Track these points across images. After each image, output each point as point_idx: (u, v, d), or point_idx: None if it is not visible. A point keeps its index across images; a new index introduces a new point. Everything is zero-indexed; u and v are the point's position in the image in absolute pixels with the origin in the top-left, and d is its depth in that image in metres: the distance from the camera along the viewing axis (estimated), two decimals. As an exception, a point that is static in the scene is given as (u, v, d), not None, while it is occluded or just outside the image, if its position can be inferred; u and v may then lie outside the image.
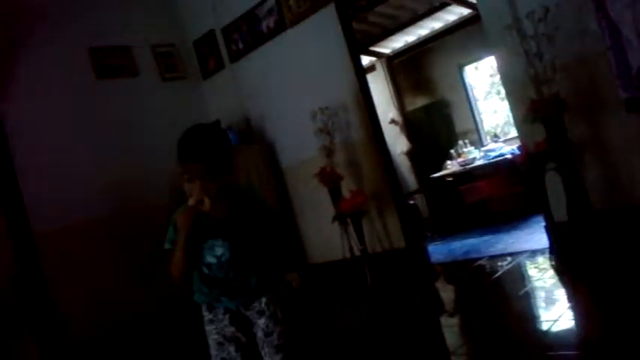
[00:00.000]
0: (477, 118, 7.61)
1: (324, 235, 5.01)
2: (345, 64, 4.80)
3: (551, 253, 3.61)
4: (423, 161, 7.38)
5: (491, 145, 6.87)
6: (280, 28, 5.24)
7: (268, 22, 5.32)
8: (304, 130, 4.93)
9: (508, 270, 3.90)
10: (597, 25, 3.37)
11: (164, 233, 1.87)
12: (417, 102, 7.90)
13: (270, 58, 5.38)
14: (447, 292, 4.16)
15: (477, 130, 7.52)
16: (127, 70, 5.50)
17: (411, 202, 6.33)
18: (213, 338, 1.88)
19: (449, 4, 6.58)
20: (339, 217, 4.54)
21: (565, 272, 3.42)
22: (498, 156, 6.29)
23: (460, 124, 7.61)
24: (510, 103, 4.04)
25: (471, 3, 6.15)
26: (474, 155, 6.75)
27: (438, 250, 5.40)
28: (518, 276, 3.82)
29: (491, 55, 5.60)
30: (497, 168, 6.11)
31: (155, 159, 5.03)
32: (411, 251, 4.63)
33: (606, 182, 3.65)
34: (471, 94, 7.69)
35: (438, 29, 7.35)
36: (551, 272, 3.53)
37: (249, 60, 5.57)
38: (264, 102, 5.51)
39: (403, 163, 7.33)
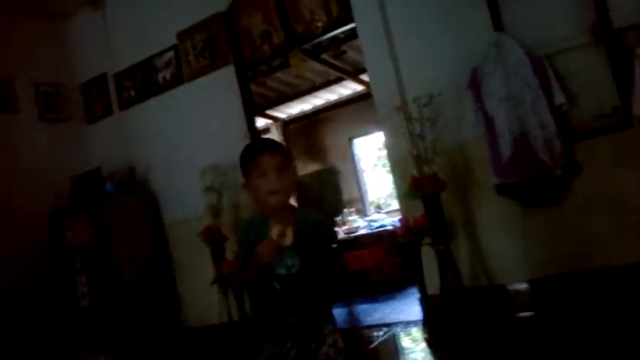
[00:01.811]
0: (363, 189, 7.89)
1: (204, 298, 4.81)
2: (240, 124, 4.82)
3: (424, 325, 3.72)
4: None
5: (375, 216, 7.11)
6: (177, 81, 5.19)
7: (165, 74, 5.25)
8: (192, 186, 4.80)
9: (383, 341, 3.95)
10: (474, 115, 3.69)
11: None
12: (309, 168, 8.06)
13: (163, 110, 5.27)
14: None
15: (362, 200, 7.78)
16: (6, 106, 5.13)
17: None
18: None
19: (344, 79, 6.91)
20: (220, 280, 4.39)
21: (436, 345, 3.53)
22: (380, 227, 6.51)
23: (347, 192, 7.85)
24: (394, 178, 4.25)
25: (365, 81, 6.51)
26: (358, 224, 6.93)
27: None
28: (394, 347, 3.87)
29: (379, 130, 5.90)
30: (379, 238, 6.31)
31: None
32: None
33: (476, 260, 3.89)
34: (358, 165, 7.99)
35: (333, 101, 7.68)
36: (423, 345, 3.63)
37: (140, 109, 5.42)
38: (152, 153, 5.33)
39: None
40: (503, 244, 3.78)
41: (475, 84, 3.67)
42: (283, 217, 1.76)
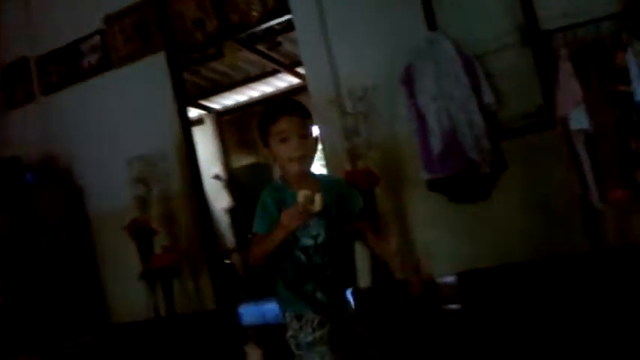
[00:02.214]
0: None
1: (131, 293, 4.63)
2: (171, 113, 4.66)
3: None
4: (243, 219, 7.33)
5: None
6: (104, 66, 4.95)
7: (91, 59, 5.00)
8: (118, 177, 4.61)
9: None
10: (407, 111, 3.72)
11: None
12: (243, 160, 7.93)
13: (89, 96, 5.01)
14: (254, 357, 4.04)
15: (297, 194, 7.74)
16: None
17: (228, 261, 6.19)
18: (325, 343, 1.64)
19: (280, 72, 6.83)
20: (147, 275, 4.24)
21: (365, 338, 3.54)
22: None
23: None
24: (328, 172, 4.23)
25: (301, 74, 6.46)
26: (293, 219, 6.89)
27: (252, 312, 5.29)
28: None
29: (315, 124, 5.87)
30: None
31: None
32: (221, 313, 4.47)
33: (406, 254, 3.94)
34: (294, 158, 7.94)
35: (269, 93, 7.57)
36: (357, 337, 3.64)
37: (64, 96, 5.14)
38: (76, 142, 5.07)
39: (223, 220, 7.21)
40: (432, 238, 3.86)
41: (409, 80, 3.70)
42: (305, 183, 1.64)
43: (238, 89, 7.27)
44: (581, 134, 3.18)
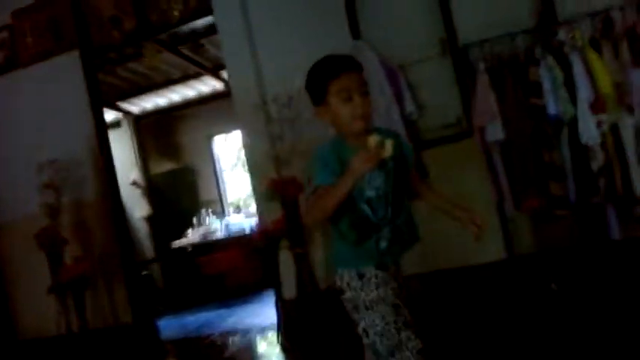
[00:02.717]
0: (222, 189, 7.69)
1: (40, 307, 4.31)
2: (85, 116, 4.41)
3: (278, 329, 3.68)
4: (163, 228, 7.09)
5: (233, 218, 6.97)
6: (11, 65, 4.61)
7: (-3, 56, 4.64)
8: (26, 182, 4.31)
9: (239, 347, 3.86)
10: (332, 118, 3.72)
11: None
12: (164, 166, 7.67)
13: (-6, 95, 4.65)
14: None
15: (221, 200, 7.58)
16: None
17: (146, 272, 5.95)
18: (389, 301, 1.59)
19: (203, 75, 6.67)
20: (57, 288, 3.97)
21: (290, 349, 3.50)
22: (239, 229, 6.39)
23: (205, 193, 7.59)
24: (252, 179, 4.16)
25: (225, 78, 6.34)
26: (216, 226, 6.74)
27: (171, 325, 5.13)
28: (249, 353, 3.79)
29: (239, 129, 5.78)
30: (237, 241, 6.19)
31: None
32: (139, 327, 4.27)
33: (332, 264, 3.93)
34: (217, 164, 7.78)
35: (191, 97, 7.38)
36: (278, 349, 3.58)
37: (-34, 95, 4.73)
38: (-22, 145, 4.67)
39: (141, 229, 6.93)
40: (357, 246, 3.87)
41: (334, 88, 3.71)
42: (364, 138, 1.54)
43: (159, 92, 7.02)
44: (497, 145, 3.31)
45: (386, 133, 1.65)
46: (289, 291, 3.71)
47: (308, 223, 1.64)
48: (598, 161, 3.07)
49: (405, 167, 1.72)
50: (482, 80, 3.33)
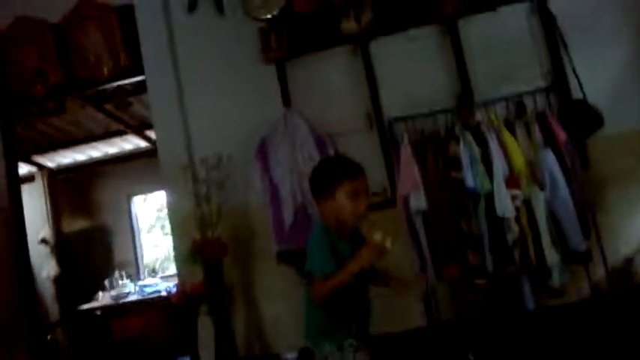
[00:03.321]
0: (138, 251, 7.38)
1: None
2: (-2, 169, 4.15)
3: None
4: (71, 290, 6.63)
5: (148, 280, 6.67)
6: None
7: None
8: None
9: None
10: (261, 183, 3.74)
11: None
12: (77, 224, 7.29)
13: None
14: None
15: (137, 262, 7.25)
16: None
17: (50, 336, 5.50)
18: None
19: (127, 133, 6.52)
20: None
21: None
22: (154, 292, 6.10)
23: (119, 254, 7.25)
24: (174, 240, 4.02)
25: (150, 137, 6.23)
26: (129, 289, 6.41)
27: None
28: None
29: (161, 189, 5.63)
30: (152, 305, 5.89)
31: None
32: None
33: (253, 328, 3.83)
34: (136, 225, 7.50)
35: (112, 154, 7.16)
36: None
37: None
38: None
39: (47, 290, 6.46)
40: (280, 312, 3.80)
41: (263, 153, 3.75)
42: (348, 231, 1.84)
43: (78, 147, 6.76)
44: (419, 214, 3.42)
45: (360, 233, 1.93)
46: (207, 358, 3.54)
47: (318, 302, 1.83)
48: (513, 233, 3.24)
49: None
50: (406, 152, 3.48)
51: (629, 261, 3.34)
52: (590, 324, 3.37)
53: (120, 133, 6.55)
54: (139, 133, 6.42)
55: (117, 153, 7.13)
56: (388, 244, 1.71)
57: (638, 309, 3.23)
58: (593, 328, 3.33)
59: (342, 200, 1.81)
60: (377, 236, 1.70)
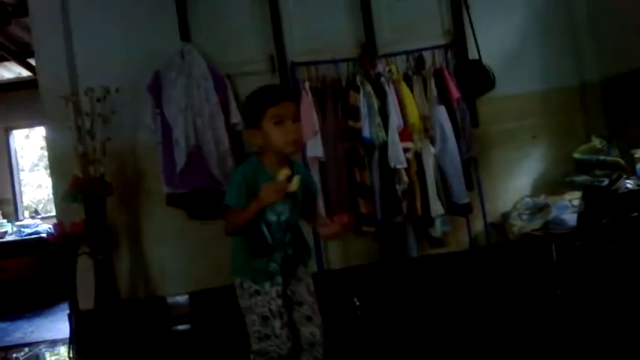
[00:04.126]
0: (17, 189, 6.84)
1: None
2: None
3: (70, 343, 3.32)
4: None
5: (27, 221, 6.22)
6: None
7: None
8: None
9: (20, 363, 3.41)
10: (152, 120, 3.53)
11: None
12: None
13: None
14: None
15: (15, 201, 6.73)
16: None
17: None
18: (258, 312, 1.79)
19: (7, 60, 5.92)
20: None
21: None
22: (34, 233, 5.71)
23: (-4, 191, 6.69)
24: (53, 177, 3.74)
25: (33, 66, 5.69)
26: (6, 229, 5.95)
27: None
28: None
29: (43, 124, 5.20)
30: (31, 246, 5.51)
31: None
32: None
33: (137, 271, 3.69)
34: (15, 161, 6.92)
35: (-11, 82, 6.51)
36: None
37: None
38: None
39: None
40: (167, 255, 3.71)
41: (156, 88, 3.53)
42: (281, 166, 1.74)
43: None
44: (316, 161, 3.41)
45: (299, 167, 1.88)
46: (86, 301, 3.37)
47: (228, 234, 1.81)
48: (403, 184, 3.33)
49: (310, 201, 1.92)
50: (307, 99, 3.43)
51: (506, 217, 3.56)
52: (466, 274, 3.60)
53: (-1, 59, 5.94)
54: (21, 60, 5.85)
55: (-5, 81, 6.50)
56: (293, 185, 1.67)
57: (511, 263, 3.47)
58: (470, 278, 3.56)
59: (269, 129, 1.74)
60: (280, 175, 1.66)
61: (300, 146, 1.87)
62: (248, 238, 1.80)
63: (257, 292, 1.79)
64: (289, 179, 1.68)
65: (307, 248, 1.94)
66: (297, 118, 1.78)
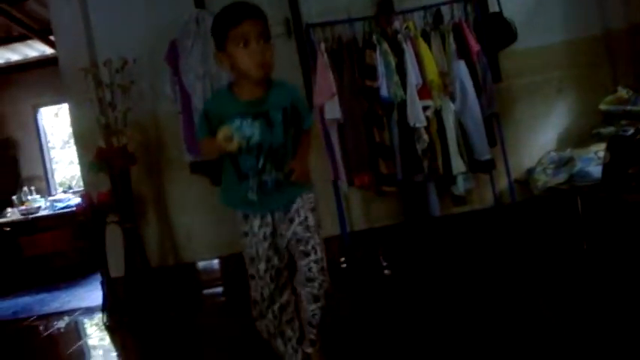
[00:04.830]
0: (49, 166, 7.01)
1: None
2: None
3: (104, 310, 3.44)
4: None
5: (60, 196, 6.39)
6: None
7: None
8: None
9: (60, 329, 3.54)
10: (171, 89, 3.55)
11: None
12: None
13: None
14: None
15: (47, 178, 6.91)
16: None
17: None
18: (247, 252, 1.80)
19: (30, 38, 5.99)
20: None
21: (117, 329, 3.29)
22: (66, 207, 5.87)
23: (28, 169, 6.86)
24: (79, 151, 3.83)
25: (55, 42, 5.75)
26: (40, 204, 6.12)
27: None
28: (72, 335, 3.50)
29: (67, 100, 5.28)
30: (64, 220, 5.68)
31: None
32: None
33: (165, 239, 3.78)
34: (44, 138, 7.07)
35: (16, 61, 6.61)
36: (103, 329, 3.35)
37: None
38: None
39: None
40: (194, 222, 3.77)
41: (173, 57, 3.54)
42: (256, 92, 1.66)
43: (-25, 53, 6.18)
44: (334, 123, 3.39)
45: (280, 88, 1.72)
46: (117, 269, 3.48)
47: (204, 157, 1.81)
48: (423, 143, 3.29)
49: (296, 123, 1.76)
50: (323, 60, 3.39)
51: (530, 172, 3.50)
52: (491, 231, 3.57)
53: (22, 38, 6.02)
54: (43, 38, 5.92)
55: (20, 60, 6.60)
56: (232, 145, 1.54)
57: (536, 219, 3.42)
58: (494, 235, 3.53)
59: (234, 52, 1.61)
60: (221, 133, 1.54)
61: (270, 69, 1.65)
62: (225, 165, 1.74)
63: (245, 234, 1.78)
64: (230, 139, 1.55)
65: (294, 183, 1.75)
66: (264, 38, 1.61)
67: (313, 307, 1.75)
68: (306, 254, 1.74)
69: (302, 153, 1.81)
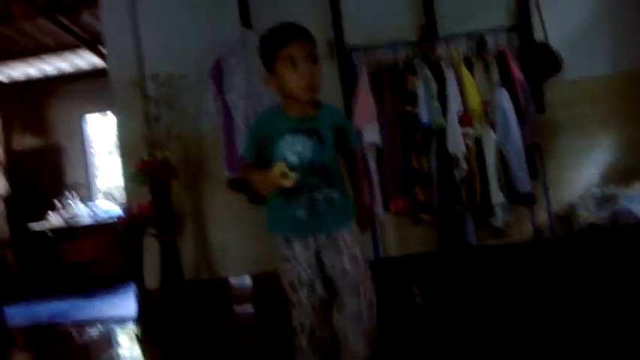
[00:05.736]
0: (92, 173, 7.21)
1: None
2: None
3: (136, 321, 3.50)
4: (21, 209, 6.48)
5: (102, 204, 6.55)
6: None
7: None
8: None
9: (92, 337, 3.61)
10: (214, 106, 3.63)
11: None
12: (28, 142, 7.04)
13: None
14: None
15: (90, 185, 7.10)
16: None
17: (-3, 254, 5.41)
18: (286, 278, 1.69)
19: (80, 48, 6.21)
20: None
21: (148, 340, 3.34)
22: (107, 216, 6.02)
23: (72, 175, 7.07)
24: (122, 160, 3.93)
25: (104, 53, 5.95)
26: (82, 212, 6.29)
27: (20, 313, 4.69)
28: (102, 343, 3.55)
29: (113, 111, 5.45)
30: (104, 229, 5.82)
31: None
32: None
33: (201, 253, 3.83)
34: (89, 146, 7.28)
35: (66, 71, 6.85)
36: (134, 340, 3.40)
37: None
38: None
39: (-4, 209, 6.29)
40: (229, 238, 3.81)
41: (218, 75, 3.62)
42: (306, 110, 1.63)
43: (30, 60, 6.43)
44: (372, 147, 3.40)
45: (327, 109, 1.70)
46: (153, 281, 3.54)
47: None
48: (462, 171, 3.26)
49: (344, 143, 1.73)
50: (364, 84, 3.41)
51: (572, 207, 3.42)
52: (529, 265, 3.48)
53: (73, 48, 6.24)
54: (93, 48, 6.13)
55: (71, 70, 6.84)
56: (289, 181, 1.49)
57: (576, 255, 3.33)
58: (533, 270, 3.44)
59: (282, 73, 1.60)
60: (276, 168, 1.49)
61: (317, 91, 1.62)
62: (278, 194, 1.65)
63: (287, 259, 1.67)
64: (285, 175, 1.49)
65: (346, 198, 1.70)
66: (312, 60, 1.61)
67: (362, 344, 1.68)
68: (357, 294, 1.67)
69: (362, 193, 1.83)
